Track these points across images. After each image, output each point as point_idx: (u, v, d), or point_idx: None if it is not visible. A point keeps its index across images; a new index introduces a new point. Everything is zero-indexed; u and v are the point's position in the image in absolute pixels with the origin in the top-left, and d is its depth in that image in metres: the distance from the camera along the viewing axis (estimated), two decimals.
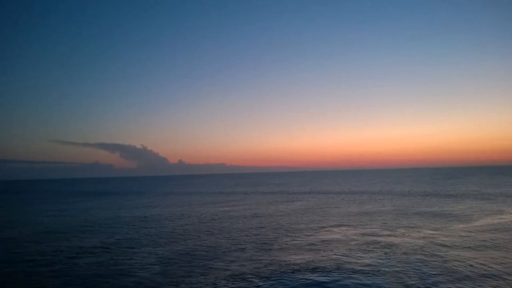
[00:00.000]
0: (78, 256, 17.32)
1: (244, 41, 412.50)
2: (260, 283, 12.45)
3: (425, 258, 15.05)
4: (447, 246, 17.38)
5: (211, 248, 18.42)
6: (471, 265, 13.85)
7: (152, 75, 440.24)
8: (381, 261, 14.80)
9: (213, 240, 20.63)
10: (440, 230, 21.68)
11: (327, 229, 23.35)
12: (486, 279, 12.25)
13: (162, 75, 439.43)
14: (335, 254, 16.18)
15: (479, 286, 11.63)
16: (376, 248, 17.29)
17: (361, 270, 13.59)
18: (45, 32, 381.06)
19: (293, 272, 13.57)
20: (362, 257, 15.60)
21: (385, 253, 16.10)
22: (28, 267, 15.56)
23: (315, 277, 12.97)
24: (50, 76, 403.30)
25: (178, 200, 52.68)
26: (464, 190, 54.13)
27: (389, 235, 20.45)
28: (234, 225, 26.02)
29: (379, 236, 20.35)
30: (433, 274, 12.83)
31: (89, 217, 34.03)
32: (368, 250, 16.83)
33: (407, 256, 15.53)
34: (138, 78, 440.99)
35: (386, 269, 13.60)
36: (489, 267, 13.61)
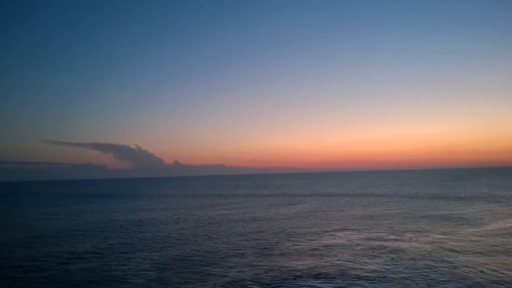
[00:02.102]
0: (69, 262, 17.30)
1: (244, 37, 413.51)
2: None
3: (433, 264, 15.03)
4: (456, 251, 17.36)
5: (209, 253, 18.40)
6: (482, 271, 13.82)
7: (147, 72, 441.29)
8: (387, 267, 14.77)
9: (211, 245, 20.62)
10: (449, 235, 21.66)
11: (330, 233, 23.32)
12: (498, 285, 12.23)
13: (158, 72, 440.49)
14: (339, 260, 16.16)
15: None
16: (382, 253, 17.27)
17: (366, 276, 13.57)
18: (35, 26, 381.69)
19: (295, 279, 13.55)
20: (367, 262, 15.58)
21: (392, 259, 16.07)
22: (17, 273, 15.54)
23: (318, 283, 12.95)
24: (40, 73, 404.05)
25: (174, 203, 52.67)
26: (474, 192, 54.11)
27: (396, 240, 20.43)
28: (233, 229, 26.01)
29: (385, 240, 20.33)
30: (442, 281, 12.81)
31: (81, 220, 34.02)
32: (374, 256, 16.80)
33: (414, 261, 15.51)
34: (132, 75, 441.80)
35: (393, 275, 13.58)
36: (501, 273, 13.58)
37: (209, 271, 14.89)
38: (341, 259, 16.22)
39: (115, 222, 32.22)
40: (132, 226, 29.41)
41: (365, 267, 14.86)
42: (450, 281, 12.80)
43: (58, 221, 34.38)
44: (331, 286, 12.65)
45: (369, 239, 20.92)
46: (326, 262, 15.87)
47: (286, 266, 15.29)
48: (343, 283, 12.90)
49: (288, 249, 18.73)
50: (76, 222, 32.97)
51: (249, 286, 12.91)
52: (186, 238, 22.92)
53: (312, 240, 21.14)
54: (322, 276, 13.73)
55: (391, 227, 24.86)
